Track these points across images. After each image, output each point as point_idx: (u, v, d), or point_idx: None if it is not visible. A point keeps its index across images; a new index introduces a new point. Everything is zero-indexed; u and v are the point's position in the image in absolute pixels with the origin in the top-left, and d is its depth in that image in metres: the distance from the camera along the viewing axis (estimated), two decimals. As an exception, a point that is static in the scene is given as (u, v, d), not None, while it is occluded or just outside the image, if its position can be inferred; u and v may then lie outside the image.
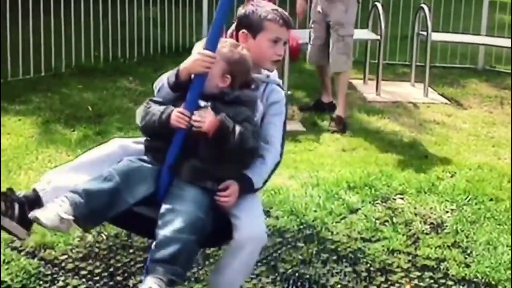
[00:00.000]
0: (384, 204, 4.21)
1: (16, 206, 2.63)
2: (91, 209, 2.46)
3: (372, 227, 3.87)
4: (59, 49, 6.97)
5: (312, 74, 6.89)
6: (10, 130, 5.25)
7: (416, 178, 4.62)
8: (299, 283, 3.30)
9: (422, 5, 7.18)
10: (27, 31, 6.73)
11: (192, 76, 2.62)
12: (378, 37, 6.83)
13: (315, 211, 4.02)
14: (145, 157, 2.63)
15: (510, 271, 3.46)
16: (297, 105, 6.21)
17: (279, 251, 3.55)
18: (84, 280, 3.24)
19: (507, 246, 3.72)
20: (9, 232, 2.67)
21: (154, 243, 2.47)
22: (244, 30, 2.82)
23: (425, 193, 4.39)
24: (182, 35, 8.18)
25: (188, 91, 2.61)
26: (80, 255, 3.44)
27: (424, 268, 3.50)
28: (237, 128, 2.55)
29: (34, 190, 2.69)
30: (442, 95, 7.03)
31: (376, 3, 6.95)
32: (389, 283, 3.35)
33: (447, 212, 4.15)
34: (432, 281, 3.39)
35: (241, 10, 2.93)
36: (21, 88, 6.35)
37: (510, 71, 7.79)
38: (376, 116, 6.17)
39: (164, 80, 2.70)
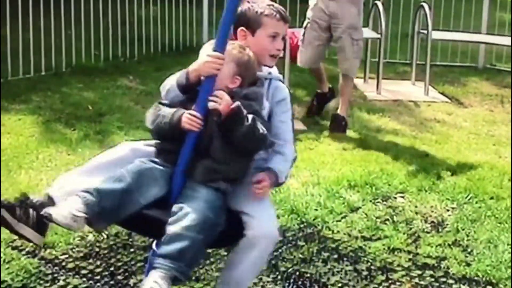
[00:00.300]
0: (384, 202, 4.21)
1: (31, 212, 2.62)
2: (103, 208, 2.46)
3: (372, 226, 3.87)
4: (60, 48, 6.97)
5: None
6: (10, 129, 5.25)
7: (416, 177, 4.62)
8: (299, 282, 3.29)
9: (423, 3, 7.17)
10: (27, 30, 6.73)
11: (202, 78, 2.62)
12: (379, 36, 6.83)
13: (316, 209, 4.02)
14: (156, 159, 2.62)
15: (510, 270, 3.46)
16: (299, 105, 6.17)
17: (279, 250, 3.55)
18: (84, 279, 3.24)
19: (507, 244, 3.72)
20: (25, 238, 2.67)
21: (162, 238, 2.46)
22: (242, 28, 2.82)
23: (426, 191, 4.39)
24: (182, 34, 8.18)
25: (197, 93, 2.60)
26: (81, 254, 3.44)
27: (425, 266, 3.50)
28: (250, 116, 2.58)
29: (48, 195, 2.68)
30: (442, 93, 7.03)
31: (377, 1, 6.94)
32: (389, 281, 3.35)
33: (448, 210, 4.15)
34: (432, 279, 3.39)
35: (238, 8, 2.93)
36: (22, 87, 6.35)
37: (510, 70, 7.79)
38: (377, 114, 6.17)
39: (172, 82, 2.70)
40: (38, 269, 3.28)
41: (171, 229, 2.45)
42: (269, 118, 2.78)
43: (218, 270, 3.33)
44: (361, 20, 5.79)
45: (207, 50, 2.68)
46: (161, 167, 2.58)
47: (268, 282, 3.27)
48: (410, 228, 3.90)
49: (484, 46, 8.11)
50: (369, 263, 3.50)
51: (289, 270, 3.39)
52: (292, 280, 3.31)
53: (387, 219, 3.98)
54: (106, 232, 3.65)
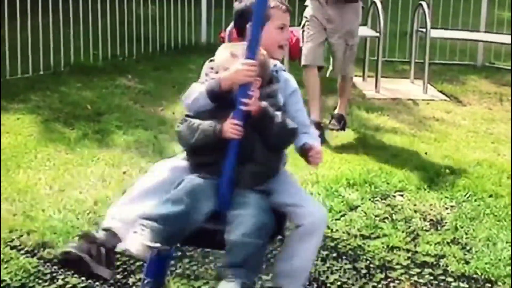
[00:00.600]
0: (383, 201, 4.21)
1: (101, 249, 2.61)
2: (169, 233, 2.48)
3: (371, 224, 3.87)
4: (58, 48, 6.97)
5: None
6: (9, 129, 5.25)
7: (415, 175, 4.63)
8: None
9: (421, 2, 7.17)
10: (26, 29, 6.72)
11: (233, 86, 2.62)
12: (377, 34, 6.83)
13: (315, 208, 4.01)
14: (200, 174, 2.62)
15: (509, 267, 3.46)
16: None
17: (278, 249, 3.54)
18: (83, 278, 3.22)
19: (506, 242, 3.72)
20: (101, 278, 2.66)
21: (225, 248, 2.49)
22: (250, 23, 2.83)
23: (425, 190, 4.39)
24: (181, 33, 8.18)
25: (227, 101, 2.60)
26: (80, 253, 3.44)
27: (424, 264, 3.50)
28: (278, 113, 2.63)
29: (107, 229, 2.64)
30: (441, 92, 7.03)
31: (375, 0, 6.94)
32: (388, 280, 3.35)
33: (447, 208, 4.15)
34: (431, 277, 3.39)
35: (238, 5, 2.93)
36: (20, 87, 6.34)
37: (509, 68, 7.79)
38: (376, 113, 6.17)
39: (198, 90, 2.67)
40: (37, 269, 3.28)
41: (231, 238, 2.47)
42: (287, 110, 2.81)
43: (217, 269, 3.33)
44: (358, 25, 5.65)
45: (223, 53, 2.68)
46: (208, 180, 2.58)
47: (266, 280, 3.26)
48: (409, 226, 3.90)
49: (483, 44, 8.11)
50: (368, 262, 3.50)
51: (288, 268, 3.38)
52: (291, 279, 3.30)
53: (386, 218, 3.98)
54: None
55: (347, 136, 5.52)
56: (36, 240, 3.52)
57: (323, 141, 5.23)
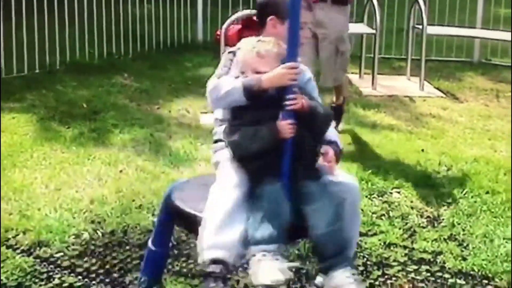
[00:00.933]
0: (380, 198, 4.20)
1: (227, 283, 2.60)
2: (283, 248, 2.54)
3: (368, 221, 3.86)
4: (53, 46, 6.95)
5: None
6: (5, 128, 5.23)
7: (412, 172, 4.62)
8: (295, 278, 3.28)
9: (417, -2, 7.16)
10: (21, 28, 6.71)
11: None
12: (374, 31, 6.82)
13: (312, 205, 4.01)
14: (262, 179, 2.62)
15: (506, 264, 3.46)
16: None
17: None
18: (80, 277, 3.23)
19: (503, 238, 3.72)
20: None
21: (316, 245, 2.54)
22: (272, 17, 2.84)
23: (422, 186, 4.38)
24: (177, 31, 8.16)
25: (263, 100, 2.62)
26: (76, 252, 3.43)
27: (421, 261, 3.50)
28: (313, 102, 2.70)
29: (217, 261, 2.53)
30: (438, 88, 7.02)
31: (371, -3, 6.93)
32: (386, 277, 3.35)
33: (444, 205, 4.15)
34: (428, 274, 3.39)
35: None
36: (16, 86, 6.33)
37: (505, 64, 7.80)
38: (372, 110, 6.16)
39: (229, 84, 2.66)
40: (33, 268, 3.27)
41: (319, 232, 2.52)
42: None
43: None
44: (348, 28, 5.40)
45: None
46: (276, 184, 2.59)
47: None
48: (406, 223, 3.89)
49: (479, 40, 8.11)
50: (365, 259, 3.49)
51: (285, 266, 3.38)
52: (288, 276, 3.29)
53: (383, 214, 3.98)
54: (101, 230, 3.65)
55: (344, 133, 5.50)
56: (32, 239, 3.51)
57: (338, 123, 5.32)
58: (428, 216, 4.00)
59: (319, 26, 5.19)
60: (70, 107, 5.85)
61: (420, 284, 3.31)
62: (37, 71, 6.80)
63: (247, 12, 5.89)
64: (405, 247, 3.62)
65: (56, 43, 6.97)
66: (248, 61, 2.69)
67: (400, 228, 3.82)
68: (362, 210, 4.00)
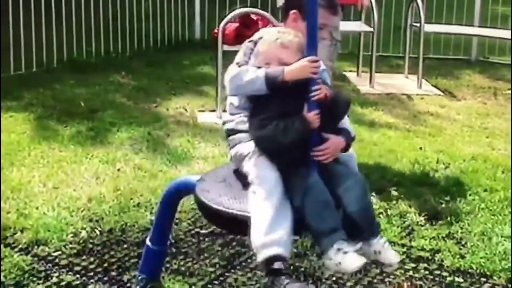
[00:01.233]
0: (378, 196, 4.20)
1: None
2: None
3: (366, 219, 3.86)
4: (51, 44, 6.94)
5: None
6: (2, 126, 5.22)
7: (410, 170, 4.62)
8: (294, 276, 3.28)
9: (415, -4, 7.16)
10: (18, 26, 6.69)
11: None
12: (371, 29, 6.82)
13: (310, 204, 4.01)
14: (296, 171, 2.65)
15: (505, 262, 3.46)
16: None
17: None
18: (78, 276, 3.22)
19: (501, 236, 3.72)
20: None
21: (354, 220, 2.58)
22: (295, 11, 2.86)
23: (420, 184, 4.38)
24: (174, 29, 8.16)
25: (284, 91, 2.63)
26: (74, 251, 3.43)
27: (419, 259, 3.50)
28: (336, 91, 2.76)
29: (278, 257, 2.56)
30: (435, 86, 7.03)
31: (369, -5, 6.93)
32: (384, 275, 3.35)
33: (442, 203, 4.15)
34: (427, 272, 3.38)
35: None
36: (13, 84, 6.32)
37: (503, 62, 7.81)
38: (370, 108, 6.16)
39: (252, 72, 2.67)
40: (31, 266, 3.27)
41: (353, 209, 2.57)
42: None
43: (212, 265, 3.33)
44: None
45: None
46: (314, 176, 2.61)
47: (262, 276, 3.26)
48: (404, 221, 3.89)
49: (477, 38, 8.12)
50: (363, 257, 3.49)
51: (283, 264, 3.38)
52: (286, 275, 3.29)
53: (381, 212, 3.97)
54: (100, 229, 3.64)
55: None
56: (30, 237, 3.50)
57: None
58: (426, 214, 3.99)
59: (336, 31, 5.24)
60: (67, 105, 5.84)
61: (419, 282, 3.31)
62: (34, 69, 6.79)
63: (244, 10, 5.90)
64: (403, 245, 3.62)
65: (53, 41, 6.96)
66: (273, 51, 2.71)
67: (398, 226, 3.82)
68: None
